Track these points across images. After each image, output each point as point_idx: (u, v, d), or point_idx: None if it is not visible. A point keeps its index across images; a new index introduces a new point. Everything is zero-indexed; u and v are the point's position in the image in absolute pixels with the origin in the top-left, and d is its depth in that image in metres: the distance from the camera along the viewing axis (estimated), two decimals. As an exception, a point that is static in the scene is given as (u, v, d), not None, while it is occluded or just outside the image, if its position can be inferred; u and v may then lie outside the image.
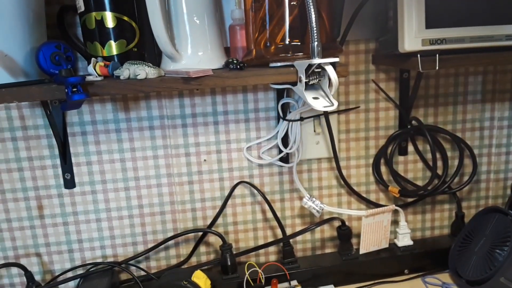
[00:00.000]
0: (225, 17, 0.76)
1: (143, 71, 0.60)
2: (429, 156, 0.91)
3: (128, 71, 0.61)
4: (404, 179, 0.92)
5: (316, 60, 0.55)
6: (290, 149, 0.85)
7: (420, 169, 0.93)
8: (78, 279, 0.83)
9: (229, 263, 0.83)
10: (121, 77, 0.62)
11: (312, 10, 0.54)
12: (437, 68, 0.68)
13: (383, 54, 0.82)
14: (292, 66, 0.60)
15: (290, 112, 0.83)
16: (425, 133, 0.83)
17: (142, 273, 0.87)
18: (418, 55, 0.68)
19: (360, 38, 0.83)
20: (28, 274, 0.81)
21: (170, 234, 0.89)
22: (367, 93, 0.87)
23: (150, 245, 0.88)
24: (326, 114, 0.84)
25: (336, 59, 0.56)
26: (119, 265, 0.85)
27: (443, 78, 0.88)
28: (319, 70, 0.58)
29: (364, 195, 0.92)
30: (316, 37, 0.55)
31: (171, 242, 0.89)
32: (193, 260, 0.91)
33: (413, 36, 0.67)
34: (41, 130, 0.81)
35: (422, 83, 0.87)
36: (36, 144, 0.81)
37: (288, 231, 0.91)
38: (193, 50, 0.66)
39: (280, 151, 0.86)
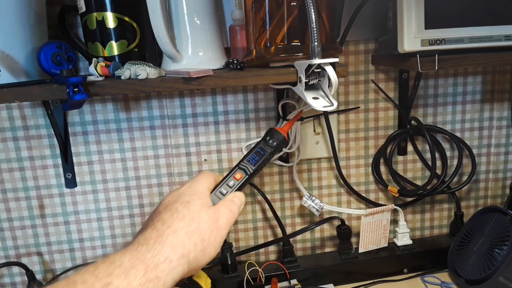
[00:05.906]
0: (226, 18, 0.76)
1: (144, 71, 0.60)
2: (428, 156, 0.91)
3: (129, 71, 0.61)
4: (403, 178, 0.93)
5: (316, 61, 0.55)
6: (290, 149, 0.86)
7: (419, 169, 0.93)
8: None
9: (229, 262, 0.84)
10: (122, 77, 0.62)
11: (312, 10, 0.54)
12: (436, 68, 0.69)
13: (382, 55, 0.82)
14: (292, 66, 0.60)
15: (290, 112, 0.83)
16: (424, 133, 0.84)
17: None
18: (417, 56, 0.68)
19: (360, 38, 0.83)
20: (29, 273, 0.81)
21: (171, 233, 0.89)
22: (366, 93, 0.87)
23: (150, 244, 0.88)
24: (326, 114, 0.84)
25: (335, 60, 0.56)
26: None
27: (442, 78, 0.88)
28: (319, 70, 0.58)
29: (363, 194, 0.93)
30: (316, 37, 0.55)
31: (171, 241, 0.89)
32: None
33: (412, 36, 0.67)
34: (43, 129, 0.81)
35: (421, 83, 0.87)
36: (37, 143, 0.82)
37: (288, 230, 0.92)
38: (194, 50, 0.66)
39: (280, 151, 0.86)
